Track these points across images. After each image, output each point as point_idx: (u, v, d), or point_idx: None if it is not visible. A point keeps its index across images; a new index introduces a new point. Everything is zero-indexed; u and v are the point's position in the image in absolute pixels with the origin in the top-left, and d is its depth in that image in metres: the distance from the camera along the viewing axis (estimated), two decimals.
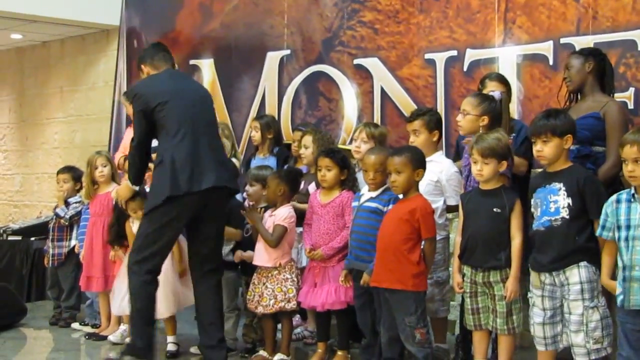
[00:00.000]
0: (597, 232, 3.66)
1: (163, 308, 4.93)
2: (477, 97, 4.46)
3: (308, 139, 5.20)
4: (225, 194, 4.65)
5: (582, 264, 3.74)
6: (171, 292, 5.00)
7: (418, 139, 4.65)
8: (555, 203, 3.77)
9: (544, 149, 3.82)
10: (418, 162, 4.18)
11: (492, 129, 4.19)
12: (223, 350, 4.66)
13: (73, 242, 6.04)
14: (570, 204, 3.74)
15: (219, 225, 4.70)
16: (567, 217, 3.75)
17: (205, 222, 4.59)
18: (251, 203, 5.06)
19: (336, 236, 4.66)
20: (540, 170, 4.14)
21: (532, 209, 3.86)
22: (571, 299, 3.74)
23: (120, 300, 5.16)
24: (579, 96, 4.71)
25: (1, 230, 7.80)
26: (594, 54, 4.64)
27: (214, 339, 4.63)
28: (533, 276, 3.88)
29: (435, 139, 4.70)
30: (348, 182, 4.75)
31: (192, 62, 7.65)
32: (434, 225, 4.18)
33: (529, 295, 3.93)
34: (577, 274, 3.73)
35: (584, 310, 3.72)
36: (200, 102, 4.66)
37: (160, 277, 4.64)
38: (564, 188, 3.77)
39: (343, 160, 4.73)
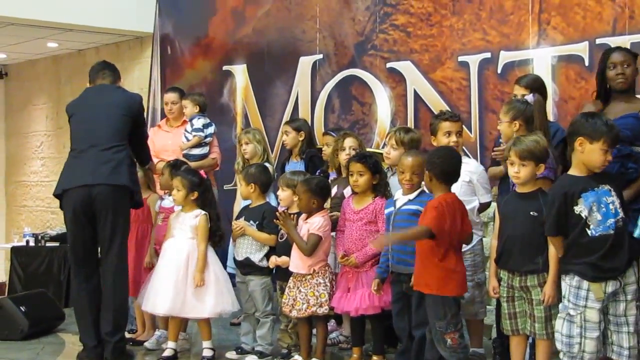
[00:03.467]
0: (637, 234, 3.62)
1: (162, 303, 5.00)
2: (507, 104, 4.48)
3: (354, 141, 5.18)
4: (110, 190, 4.98)
5: (634, 263, 3.70)
6: (176, 293, 4.99)
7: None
8: (612, 204, 3.70)
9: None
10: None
11: (529, 132, 4.15)
12: (109, 345, 5.00)
13: None
14: (621, 203, 3.72)
15: (107, 220, 5.00)
16: (624, 216, 3.70)
17: (99, 219, 5.02)
18: (283, 208, 5.06)
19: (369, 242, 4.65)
20: (567, 173, 4.02)
21: (585, 214, 3.69)
22: (629, 299, 3.68)
23: (153, 297, 5.12)
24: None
25: (39, 237, 7.91)
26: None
27: (103, 332, 5.04)
28: (595, 289, 3.67)
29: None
30: (380, 188, 4.73)
31: (225, 67, 7.70)
32: (433, 216, 4.04)
33: (575, 311, 3.72)
34: (633, 274, 3.68)
35: (638, 310, 3.68)
36: (100, 111, 5.13)
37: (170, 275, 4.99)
38: (612, 189, 3.72)
39: (375, 165, 4.71)
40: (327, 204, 4.99)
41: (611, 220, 3.68)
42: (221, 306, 5.06)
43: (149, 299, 5.09)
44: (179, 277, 5.02)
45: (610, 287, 3.67)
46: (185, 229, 5.11)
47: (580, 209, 3.71)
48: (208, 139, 6.24)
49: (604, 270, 3.67)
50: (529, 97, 4.43)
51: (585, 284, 3.69)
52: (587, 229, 3.70)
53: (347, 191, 5.01)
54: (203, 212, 5.14)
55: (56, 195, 5.17)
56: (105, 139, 5.04)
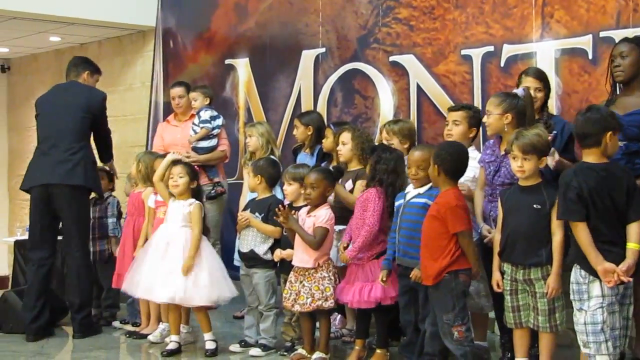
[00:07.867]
0: None
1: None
2: (498, 96, 4.50)
3: (347, 136, 5.18)
4: (69, 189, 5.64)
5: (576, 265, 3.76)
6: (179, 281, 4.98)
7: (456, 129, 4.68)
8: None
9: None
10: (438, 158, 4.18)
11: (519, 126, 4.20)
12: (75, 321, 5.72)
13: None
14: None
15: (68, 215, 5.70)
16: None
17: (60, 214, 5.74)
18: (288, 202, 5.05)
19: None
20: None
21: None
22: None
23: (136, 284, 5.14)
24: (618, 88, 4.58)
25: None
26: None
27: (72, 310, 5.76)
28: None
29: (472, 134, 4.75)
30: (376, 178, 4.68)
31: (227, 61, 7.69)
32: (463, 218, 4.11)
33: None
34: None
35: (576, 311, 3.73)
36: (63, 112, 5.73)
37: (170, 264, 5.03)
38: None
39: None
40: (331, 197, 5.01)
41: None
42: (217, 293, 5.03)
43: (140, 284, 5.09)
44: (177, 265, 4.99)
45: None
46: (177, 216, 5.11)
47: None
48: (216, 131, 6.22)
49: None
50: (519, 91, 4.45)
51: None
52: None
53: (349, 184, 5.03)
54: (197, 201, 5.17)
55: (23, 189, 5.92)
56: (65, 140, 5.66)
